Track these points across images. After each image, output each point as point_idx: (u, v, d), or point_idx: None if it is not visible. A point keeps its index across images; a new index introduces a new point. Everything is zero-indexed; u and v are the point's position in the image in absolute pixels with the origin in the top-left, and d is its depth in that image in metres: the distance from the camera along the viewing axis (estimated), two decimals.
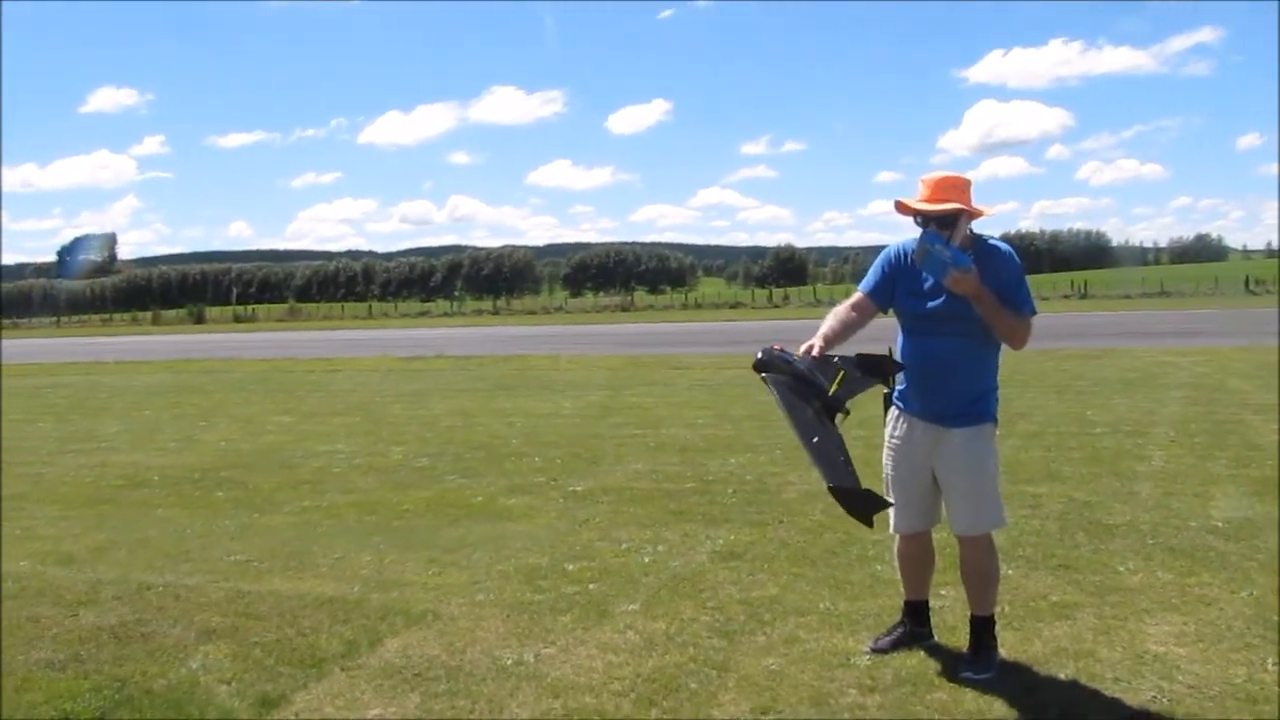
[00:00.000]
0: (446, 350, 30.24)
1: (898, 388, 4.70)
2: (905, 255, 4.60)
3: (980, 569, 4.69)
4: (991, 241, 4.58)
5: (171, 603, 5.98)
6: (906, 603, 5.03)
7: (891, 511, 4.77)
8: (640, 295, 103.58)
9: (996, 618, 4.82)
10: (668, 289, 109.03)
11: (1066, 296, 75.09)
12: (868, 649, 4.87)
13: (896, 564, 5.06)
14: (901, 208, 4.53)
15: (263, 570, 6.68)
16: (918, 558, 4.96)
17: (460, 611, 5.61)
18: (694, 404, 15.07)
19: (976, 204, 4.50)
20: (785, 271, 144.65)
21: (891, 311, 4.71)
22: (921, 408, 4.60)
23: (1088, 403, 13.77)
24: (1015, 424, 11.72)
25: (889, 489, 4.79)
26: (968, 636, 4.76)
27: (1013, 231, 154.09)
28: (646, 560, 6.57)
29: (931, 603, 5.11)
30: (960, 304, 4.37)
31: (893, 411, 4.76)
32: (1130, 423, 11.84)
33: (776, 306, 77.27)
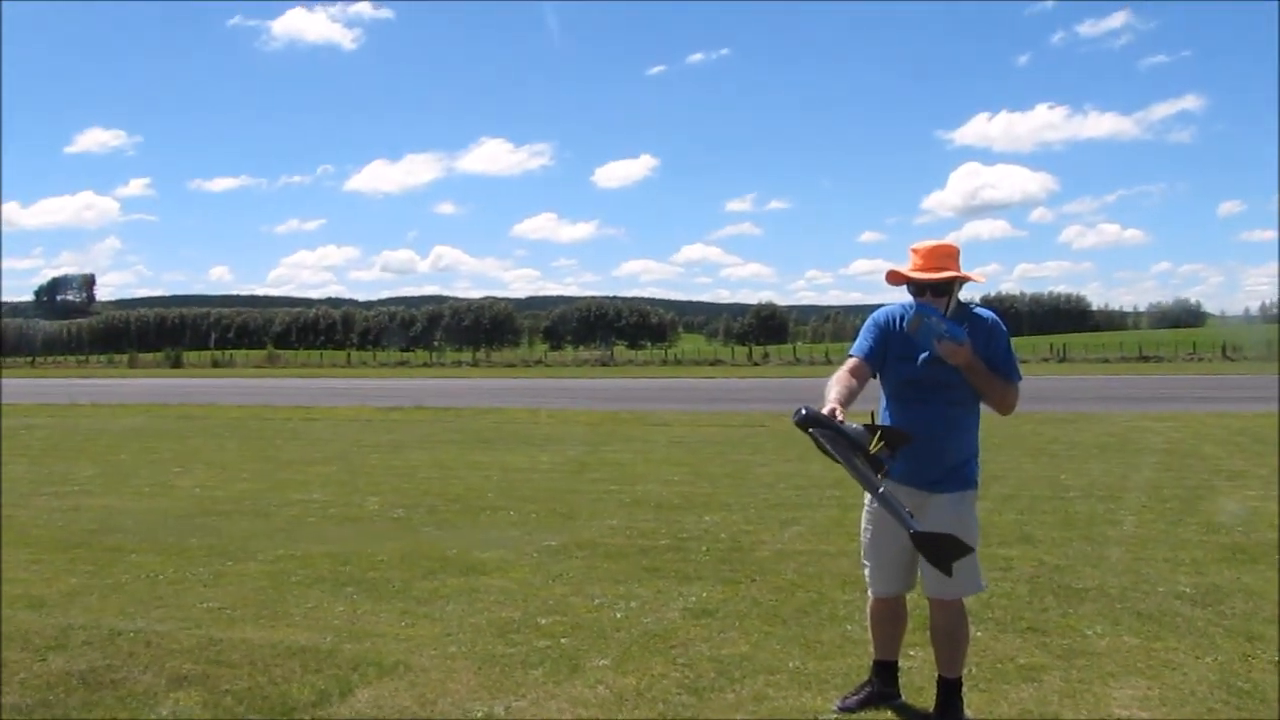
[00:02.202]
0: (425, 401, 30.25)
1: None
2: (896, 320, 4.65)
3: (951, 632, 4.73)
4: (977, 309, 4.67)
5: (143, 649, 5.96)
6: (876, 662, 5.06)
7: (867, 573, 4.87)
8: (620, 350, 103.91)
9: (964, 679, 4.86)
10: (648, 344, 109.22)
11: (1046, 359, 75.66)
12: (836, 707, 4.90)
13: (869, 624, 5.08)
14: (895, 277, 4.61)
15: (235, 618, 6.67)
16: (890, 619, 4.98)
17: (432, 663, 5.61)
18: (671, 461, 15.10)
19: (967, 271, 4.58)
20: (766, 329, 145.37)
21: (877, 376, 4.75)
22: (906, 473, 4.59)
23: (1062, 466, 13.88)
24: (990, 486, 11.81)
25: (865, 552, 4.87)
26: (935, 698, 4.80)
27: (993, 294, 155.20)
28: (619, 616, 6.59)
29: (900, 663, 5.15)
30: (949, 372, 4.45)
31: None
32: (1104, 487, 11.94)
33: (756, 364, 77.50)
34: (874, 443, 4.23)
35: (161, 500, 11.87)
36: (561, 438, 18.97)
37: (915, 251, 4.58)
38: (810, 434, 4.22)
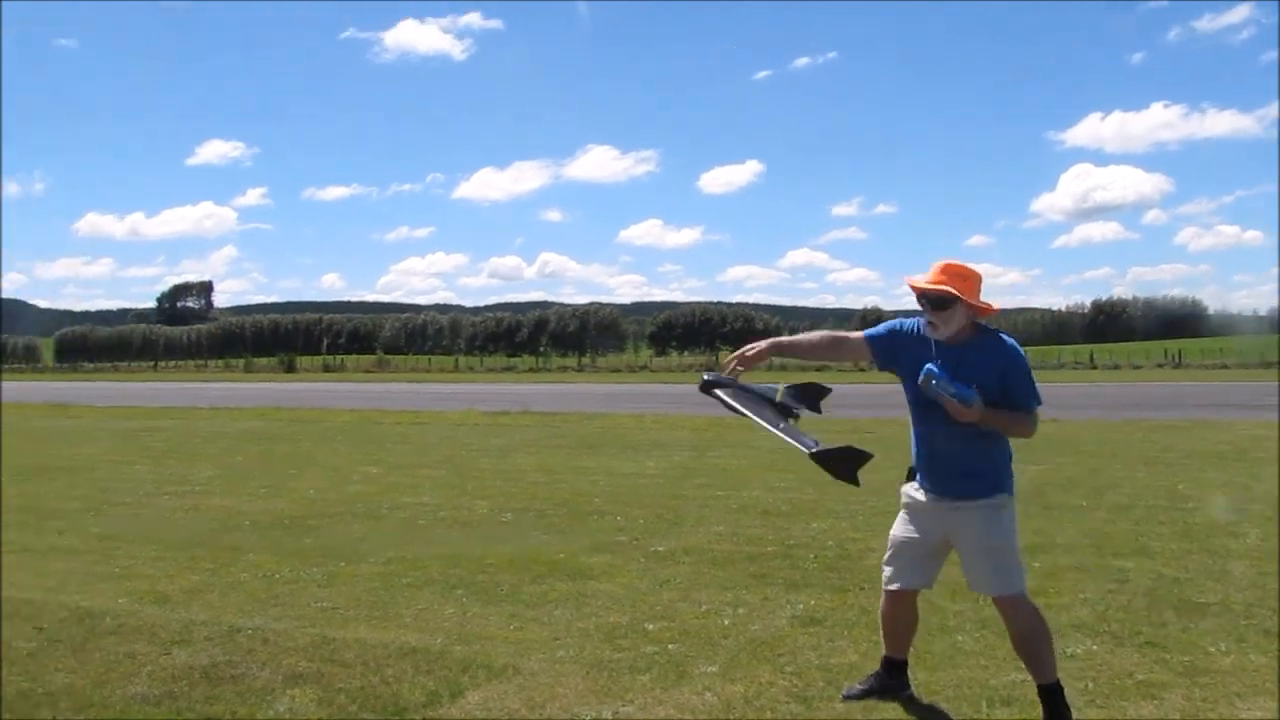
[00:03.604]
0: (532, 406, 30.52)
1: (913, 465, 4.84)
2: (911, 331, 4.74)
3: (1026, 630, 4.65)
4: (1000, 335, 4.68)
5: (260, 646, 6.12)
6: (885, 658, 5.14)
7: (885, 568, 4.97)
8: (725, 355, 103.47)
9: (1080, 693, 4.76)
10: None
11: (1160, 365, 73.71)
12: (842, 696, 5.06)
13: (880, 620, 5.16)
14: (908, 283, 4.65)
15: (348, 618, 6.80)
16: (901, 618, 5.04)
17: (540, 667, 5.66)
18: (776, 467, 15.01)
19: (981, 300, 4.58)
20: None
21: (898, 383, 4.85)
22: (933, 486, 4.72)
23: (1179, 476, 13.49)
24: (1103, 495, 11.55)
25: (891, 546, 4.96)
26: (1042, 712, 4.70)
27: (1105, 298, 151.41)
28: (726, 623, 6.58)
29: (1005, 679, 5.09)
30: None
31: (911, 484, 4.86)
32: (1224, 497, 11.58)
33: (861, 369, 76.61)
34: (780, 394, 4.78)
35: (277, 501, 12.15)
36: (667, 443, 18.99)
37: (934, 265, 4.64)
38: (714, 395, 4.71)
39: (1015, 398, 4.53)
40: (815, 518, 10.58)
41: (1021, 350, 4.65)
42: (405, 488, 13.24)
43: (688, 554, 8.79)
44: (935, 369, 4.45)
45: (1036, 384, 4.61)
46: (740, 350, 4.85)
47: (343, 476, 14.47)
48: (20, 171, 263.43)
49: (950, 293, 4.49)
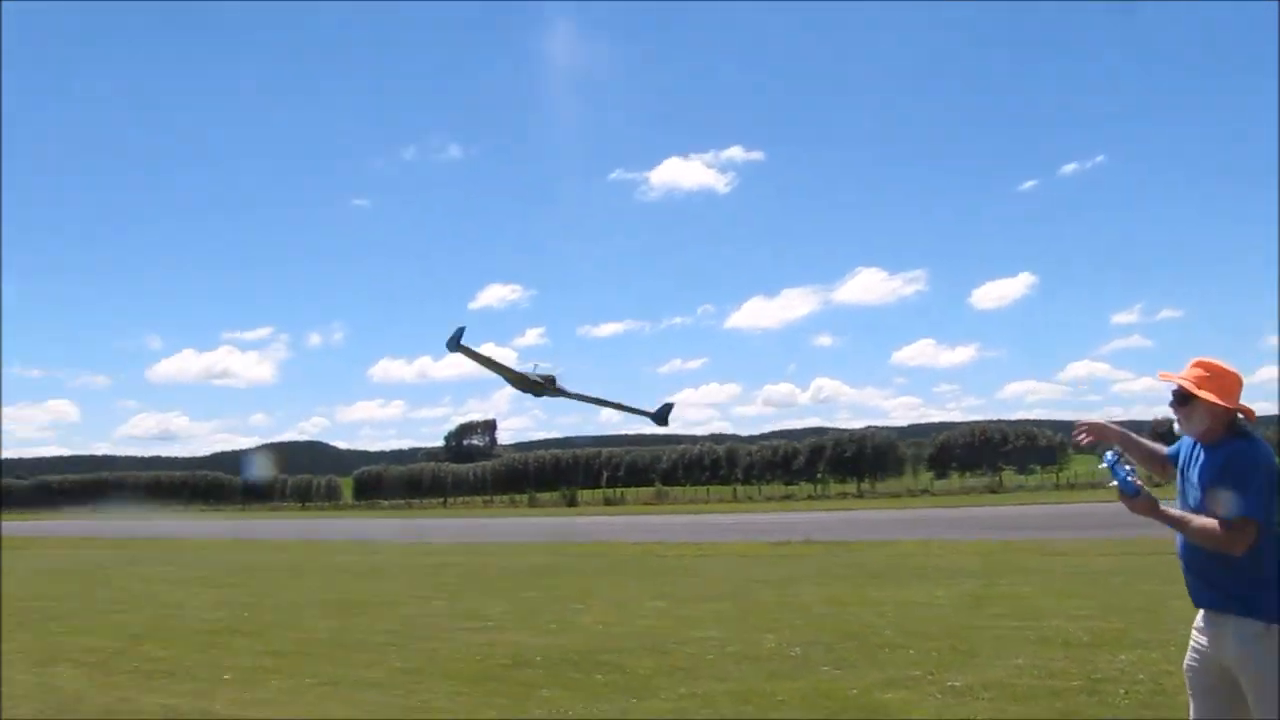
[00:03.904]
0: (813, 535, 30.10)
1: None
2: (1188, 448, 4.60)
3: None
4: (1244, 439, 4.39)
5: None
6: None
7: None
8: (1008, 475, 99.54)
9: None
10: (1037, 468, 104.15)
11: None
12: None
13: None
14: (1160, 377, 4.60)
15: None
16: None
17: None
18: (1074, 593, 14.22)
19: (1233, 401, 4.39)
20: (1166, 445, 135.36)
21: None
22: (1197, 596, 4.52)
23: None
24: None
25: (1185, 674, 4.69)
26: None
27: None
28: None
29: None
30: (1200, 497, 4.37)
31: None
32: None
33: (1157, 484, 72.18)
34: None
35: (567, 636, 12.33)
36: (955, 570, 18.31)
37: (1189, 362, 4.54)
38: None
39: (1217, 502, 4.25)
40: (1122, 649, 9.92)
41: (1261, 458, 4.29)
42: (692, 621, 13.22)
43: (987, 689, 8.38)
44: (1110, 456, 4.35)
45: (1256, 496, 4.20)
46: (1095, 421, 4.74)
47: (630, 610, 14.58)
48: (321, 324, 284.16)
49: (1186, 387, 4.36)
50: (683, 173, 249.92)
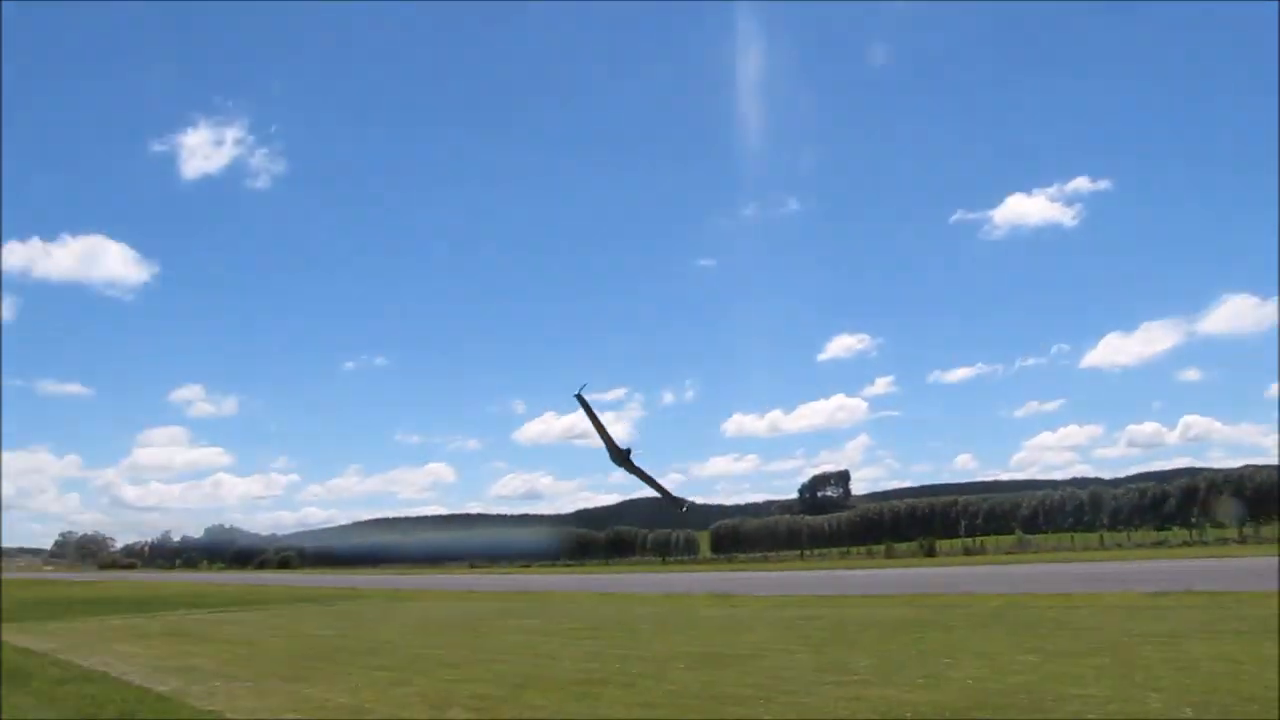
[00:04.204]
0: (1194, 584, 27.96)
1: None
2: None
3: None
4: None
5: None
6: None
7: None
8: None
9: None
10: None
11: None
12: None
13: None
14: None
15: None
16: None
17: None
18: None
19: None
20: None
21: None
22: None
23: None
24: None
25: None
26: None
27: None
28: None
29: None
30: None
31: None
32: None
33: None
34: None
35: (936, 693, 12.01)
36: None
37: None
38: None
39: None
40: None
41: None
42: (1068, 678, 12.57)
43: None
44: None
45: None
46: None
47: (1000, 665, 14.03)
48: (673, 382, 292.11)
49: None
50: (1028, 208, 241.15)
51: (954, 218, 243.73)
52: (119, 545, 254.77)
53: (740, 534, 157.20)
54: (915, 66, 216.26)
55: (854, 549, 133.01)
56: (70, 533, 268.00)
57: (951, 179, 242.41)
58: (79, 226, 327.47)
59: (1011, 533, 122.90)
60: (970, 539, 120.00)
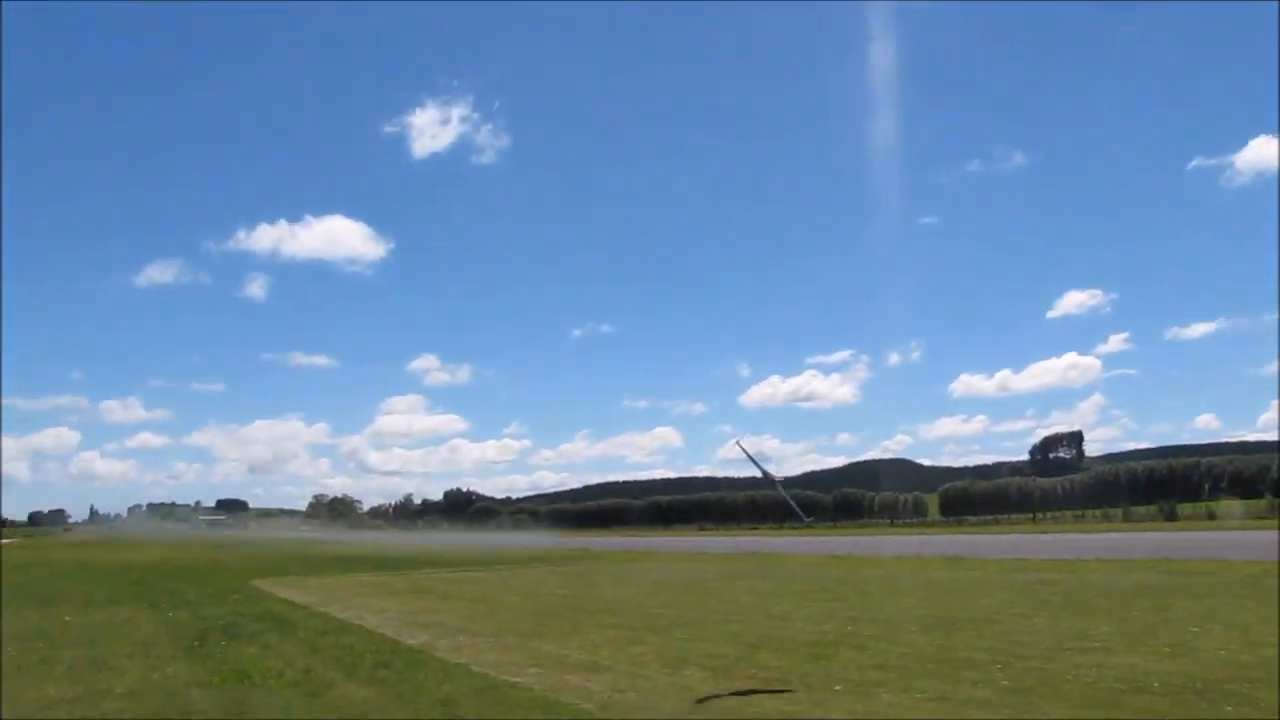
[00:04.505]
0: None
1: None
2: None
3: None
4: None
5: None
6: None
7: None
8: None
9: None
10: None
11: None
12: None
13: None
14: None
15: None
16: None
17: None
18: None
19: None
20: None
21: None
22: None
23: None
24: None
25: None
26: None
27: None
28: None
29: None
30: None
31: None
32: None
33: None
34: None
35: (1184, 662, 11.60)
36: None
37: None
38: None
39: None
40: None
41: None
42: None
43: None
44: None
45: None
46: None
47: (1255, 636, 13.41)
48: (900, 343, 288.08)
49: None
50: (1273, 152, 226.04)
51: (1192, 164, 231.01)
52: (365, 507, 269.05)
53: (969, 496, 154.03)
54: (1144, 4, 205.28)
55: (1089, 512, 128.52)
56: (322, 495, 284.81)
57: (1188, 123, 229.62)
58: (320, 208, 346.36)
59: (1260, 496, 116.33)
60: (1214, 502, 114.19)
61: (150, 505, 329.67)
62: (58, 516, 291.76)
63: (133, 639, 16.01)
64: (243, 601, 22.98)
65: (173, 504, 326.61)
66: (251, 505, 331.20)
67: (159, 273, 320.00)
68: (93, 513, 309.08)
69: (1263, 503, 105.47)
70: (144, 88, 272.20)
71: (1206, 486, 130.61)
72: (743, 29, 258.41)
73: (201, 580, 31.67)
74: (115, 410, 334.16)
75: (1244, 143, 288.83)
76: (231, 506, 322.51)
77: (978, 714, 9.18)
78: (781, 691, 10.45)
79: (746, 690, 10.57)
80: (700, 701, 10.11)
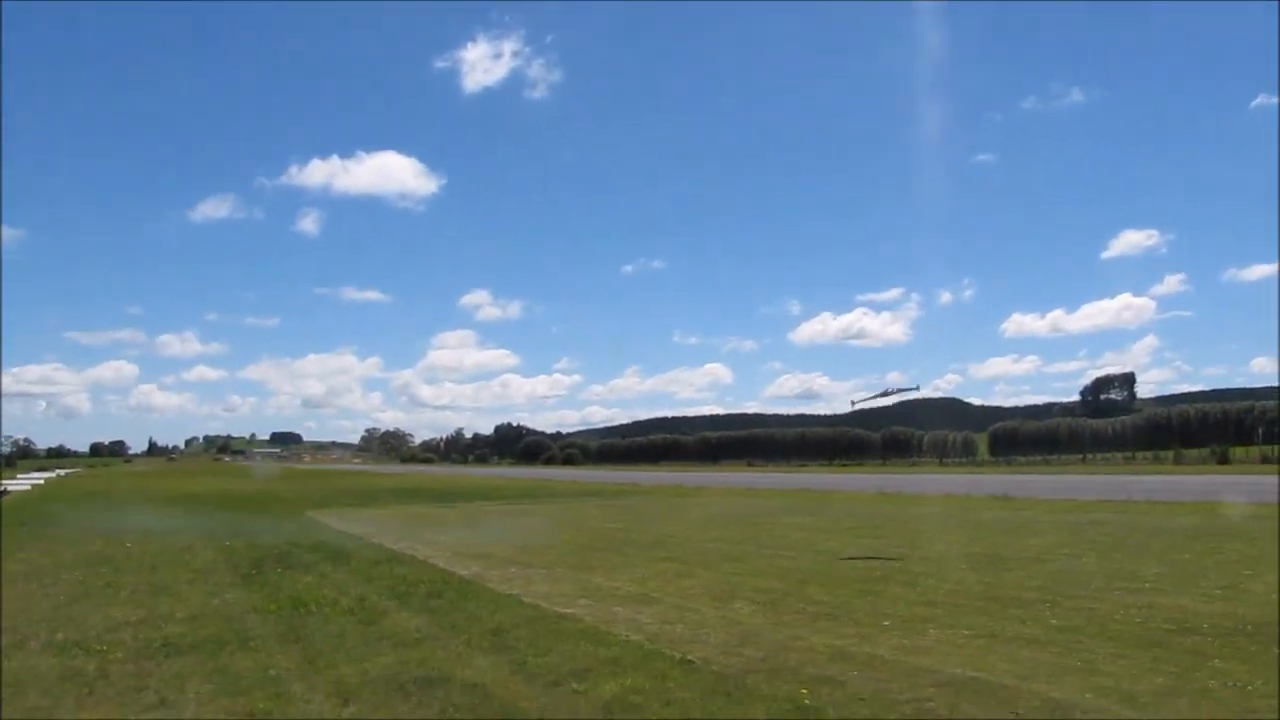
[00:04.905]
0: None
1: None
2: None
3: None
4: None
5: None
6: None
7: None
8: None
9: None
10: None
11: None
12: None
13: None
14: None
15: None
16: None
17: None
18: None
19: None
20: None
21: None
22: None
23: None
24: None
25: None
26: None
27: None
28: None
29: None
30: None
31: None
32: None
33: None
34: None
35: (1237, 604, 11.59)
36: None
37: None
38: None
39: None
40: None
41: None
42: None
43: None
44: None
45: None
46: None
47: None
48: (951, 282, 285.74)
49: None
50: None
51: (1255, 102, 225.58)
52: (417, 441, 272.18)
53: (1019, 436, 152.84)
54: None
55: (1140, 454, 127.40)
56: (374, 429, 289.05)
57: (1250, 59, 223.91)
58: (372, 144, 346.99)
59: None
60: (1269, 447, 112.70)
61: (207, 438, 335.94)
62: (118, 448, 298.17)
63: (192, 566, 16.40)
64: (298, 532, 23.43)
65: (229, 436, 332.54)
66: (305, 438, 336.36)
67: (213, 208, 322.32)
68: (151, 445, 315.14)
69: None
70: (196, 25, 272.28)
71: (1260, 431, 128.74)
72: None
73: (257, 511, 32.29)
74: (172, 344, 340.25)
75: None
76: (286, 439, 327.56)
77: (1025, 651, 9.23)
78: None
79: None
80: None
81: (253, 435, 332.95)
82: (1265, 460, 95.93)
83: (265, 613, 11.76)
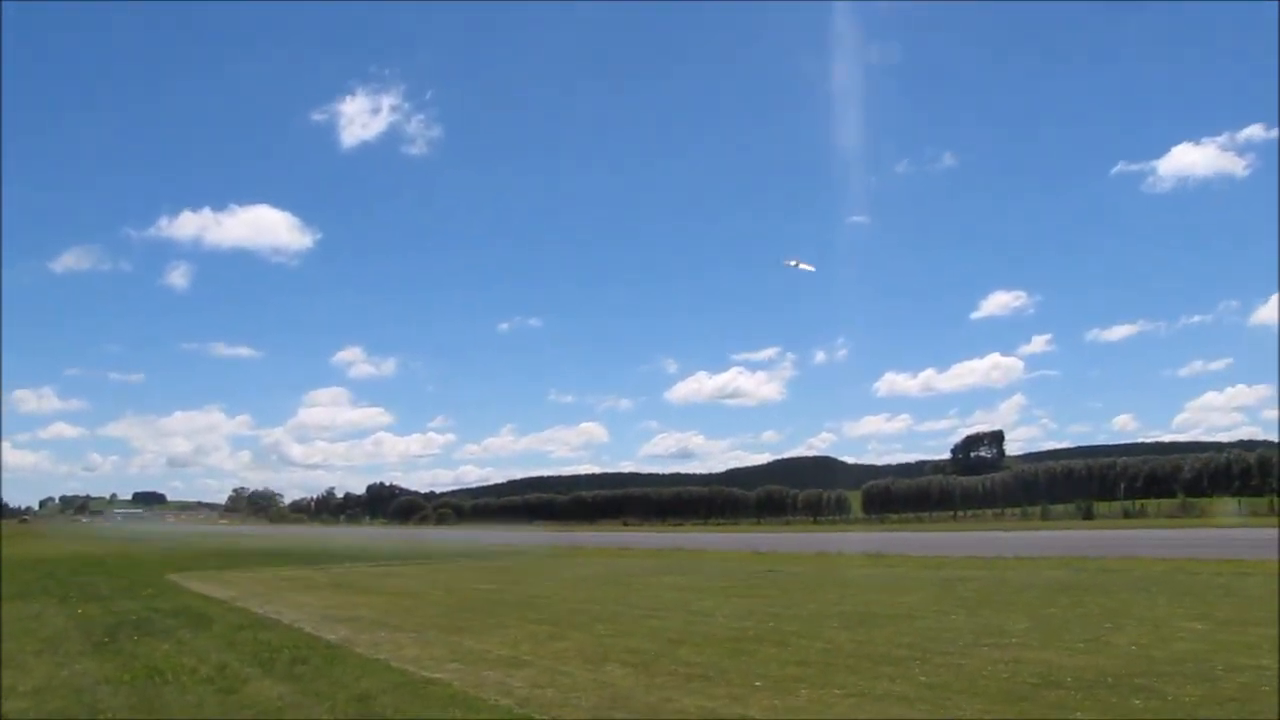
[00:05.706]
0: None
1: None
2: None
3: None
4: None
5: None
6: None
7: None
8: None
9: None
10: None
11: None
12: None
13: None
14: None
15: None
16: None
17: None
18: None
19: None
20: None
21: None
22: None
23: None
24: None
25: None
26: None
27: None
28: None
29: None
30: None
31: None
32: None
33: None
34: None
35: (1098, 657, 11.79)
36: None
37: None
38: None
39: None
40: None
41: None
42: (1239, 647, 12.19)
43: None
44: None
45: None
46: None
47: (1166, 632, 13.68)
48: (825, 342, 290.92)
49: None
50: (1195, 159, 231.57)
51: (1115, 169, 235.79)
52: (287, 501, 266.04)
53: (892, 494, 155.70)
54: (1071, 8, 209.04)
55: (1008, 510, 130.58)
56: (242, 489, 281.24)
57: (1113, 128, 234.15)
58: (245, 197, 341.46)
59: (1174, 496, 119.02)
60: (1130, 502, 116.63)
61: (63, 498, 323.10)
62: None
63: (40, 635, 15.61)
64: (157, 596, 22.53)
65: (88, 496, 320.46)
66: (170, 498, 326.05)
67: (76, 259, 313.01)
68: (2, 506, 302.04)
69: (1175, 502, 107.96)
70: (65, 69, 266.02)
71: (1122, 486, 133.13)
72: (669, 29, 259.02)
73: (115, 575, 31.02)
74: (28, 400, 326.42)
75: (1166, 149, 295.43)
76: (149, 499, 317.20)
77: (895, 709, 9.23)
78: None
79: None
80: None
81: (114, 495, 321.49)
82: (1127, 514, 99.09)
83: (118, 684, 11.19)
